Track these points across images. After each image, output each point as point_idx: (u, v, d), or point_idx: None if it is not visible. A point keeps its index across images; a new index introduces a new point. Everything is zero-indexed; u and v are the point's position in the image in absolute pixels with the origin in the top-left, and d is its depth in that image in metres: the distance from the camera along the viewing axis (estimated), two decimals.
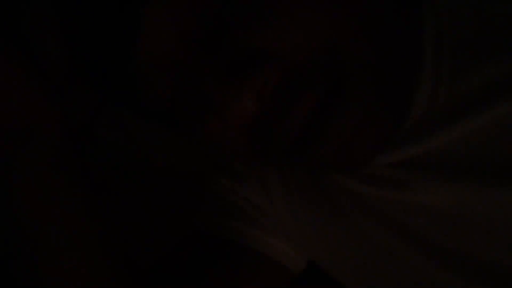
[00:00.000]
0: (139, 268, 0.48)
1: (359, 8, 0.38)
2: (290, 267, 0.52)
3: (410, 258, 0.45)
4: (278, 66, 0.36)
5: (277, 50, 0.36)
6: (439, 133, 0.41)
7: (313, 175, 0.50)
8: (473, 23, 0.42)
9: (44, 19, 0.37)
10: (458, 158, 0.41)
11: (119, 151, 0.80)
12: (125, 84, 0.38)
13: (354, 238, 0.48)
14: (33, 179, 0.38)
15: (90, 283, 0.41)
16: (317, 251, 0.52)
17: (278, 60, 0.36)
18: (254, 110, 0.36)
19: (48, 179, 0.39)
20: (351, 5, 0.37)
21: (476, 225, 0.41)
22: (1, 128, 0.37)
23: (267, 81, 0.36)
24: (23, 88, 0.36)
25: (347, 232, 0.48)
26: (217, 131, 0.39)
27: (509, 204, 0.40)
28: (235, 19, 0.36)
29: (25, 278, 0.40)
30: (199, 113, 0.39)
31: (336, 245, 0.49)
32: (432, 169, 0.42)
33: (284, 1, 0.37)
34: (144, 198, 0.81)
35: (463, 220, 0.42)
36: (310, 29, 0.36)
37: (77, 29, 0.37)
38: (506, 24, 0.41)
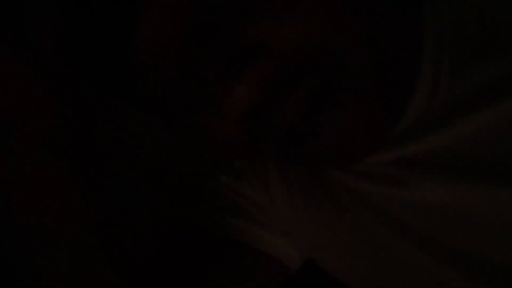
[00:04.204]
0: (137, 264, 0.48)
1: (358, 3, 0.38)
2: (288, 264, 0.52)
3: (408, 254, 0.45)
4: (274, 58, 0.36)
5: (273, 43, 0.36)
6: (439, 131, 0.41)
7: (313, 172, 0.50)
8: (474, 22, 0.42)
9: (43, 12, 0.37)
10: (457, 156, 0.41)
11: (118, 148, 0.80)
12: (123, 77, 0.38)
13: (353, 234, 0.48)
14: (27, 170, 0.38)
15: (88, 279, 0.41)
16: (316, 248, 0.52)
17: (274, 52, 0.36)
18: (248, 102, 0.36)
19: (42, 171, 0.39)
20: (350, 0, 0.37)
21: (474, 222, 0.42)
22: None
23: (262, 72, 0.36)
24: (19, 78, 0.37)
25: (346, 228, 0.48)
26: (213, 124, 0.39)
27: (507, 202, 0.40)
28: (232, 12, 0.36)
29: (23, 276, 0.40)
30: (195, 106, 0.39)
31: (335, 241, 0.50)
32: (431, 167, 0.42)
33: None
34: (142, 195, 0.81)
35: (461, 217, 0.42)
36: (306, 21, 0.36)
37: (74, 22, 0.37)
38: (506, 23, 0.41)
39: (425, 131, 0.42)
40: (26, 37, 0.37)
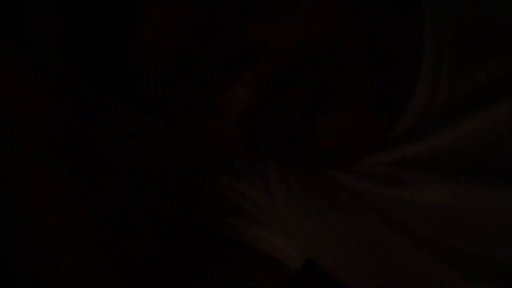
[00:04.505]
0: (137, 264, 0.48)
1: (357, 3, 0.38)
2: (288, 264, 0.52)
3: (408, 254, 0.45)
4: (274, 58, 0.36)
5: (272, 42, 0.36)
6: (439, 131, 0.41)
7: (313, 172, 0.50)
8: (474, 22, 0.42)
9: (43, 12, 0.37)
10: (457, 156, 0.41)
11: (118, 148, 0.80)
12: (123, 77, 0.38)
13: (353, 234, 0.48)
14: (27, 170, 0.38)
15: (88, 279, 0.40)
16: (316, 248, 0.52)
17: (274, 53, 0.36)
18: (248, 102, 0.36)
19: (42, 171, 0.39)
20: (350, 0, 0.37)
21: (474, 222, 0.42)
22: None
23: (262, 72, 0.36)
24: (19, 78, 0.37)
25: (346, 228, 0.48)
26: (213, 124, 0.39)
27: (507, 202, 0.40)
28: (232, 12, 0.36)
29: (23, 276, 0.40)
30: (195, 106, 0.39)
31: (335, 241, 0.50)
32: (431, 167, 0.42)
33: None
34: (142, 195, 0.81)
35: (461, 217, 0.42)
36: (306, 21, 0.36)
37: (74, 22, 0.37)
38: (506, 23, 0.41)
39: (425, 131, 0.42)
40: (26, 37, 0.37)
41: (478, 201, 0.41)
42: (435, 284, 0.45)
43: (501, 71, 0.40)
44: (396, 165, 0.43)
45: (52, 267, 0.39)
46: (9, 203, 0.38)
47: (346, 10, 0.37)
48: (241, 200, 0.52)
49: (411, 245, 0.45)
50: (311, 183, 0.50)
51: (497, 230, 0.41)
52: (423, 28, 0.42)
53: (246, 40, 0.36)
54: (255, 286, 0.51)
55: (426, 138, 0.42)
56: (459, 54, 0.41)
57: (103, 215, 0.41)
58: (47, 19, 0.37)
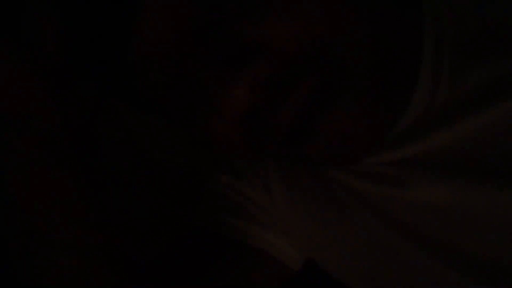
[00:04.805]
0: (137, 265, 0.48)
1: (357, 3, 0.38)
2: (289, 264, 0.52)
3: (408, 254, 0.45)
4: (272, 57, 0.36)
5: (271, 42, 0.36)
6: (439, 131, 0.41)
7: (313, 171, 0.50)
8: (474, 22, 0.42)
9: (43, 12, 0.37)
10: (457, 156, 0.41)
11: (118, 148, 0.80)
12: (122, 77, 0.38)
13: (353, 234, 0.48)
14: (28, 170, 0.38)
15: (88, 280, 0.41)
16: (316, 248, 0.52)
17: (272, 52, 0.36)
18: (248, 102, 0.36)
19: (43, 171, 0.39)
20: (350, 0, 0.37)
21: (473, 222, 0.42)
22: None
23: (261, 72, 0.36)
24: (19, 78, 0.37)
25: (346, 228, 0.48)
26: (213, 125, 0.39)
27: (507, 202, 0.40)
28: (231, 12, 0.36)
29: (23, 276, 0.40)
30: (195, 106, 0.39)
31: (335, 241, 0.50)
32: (431, 167, 0.42)
33: None
34: (143, 195, 0.81)
35: (461, 217, 0.42)
36: (305, 21, 0.36)
37: (74, 22, 0.37)
38: (506, 23, 0.41)
39: (425, 131, 0.42)
40: (26, 37, 0.37)
41: (478, 201, 0.41)
42: (435, 284, 0.45)
43: (501, 71, 0.40)
44: (396, 165, 0.43)
45: (52, 267, 0.39)
46: (9, 203, 0.38)
47: (346, 10, 0.37)
48: (241, 200, 0.52)
49: (411, 245, 0.45)
50: (311, 183, 0.50)
51: (497, 230, 0.41)
52: (423, 28, 0.42)
53: (246, 40, 0.36)
54: (255, 286, 0.51)
55: (426, 138, 0.42)
56: (459, 54, 0.41)
57: (104, 216, 0.41)
58: (47, 19, 0.37)
